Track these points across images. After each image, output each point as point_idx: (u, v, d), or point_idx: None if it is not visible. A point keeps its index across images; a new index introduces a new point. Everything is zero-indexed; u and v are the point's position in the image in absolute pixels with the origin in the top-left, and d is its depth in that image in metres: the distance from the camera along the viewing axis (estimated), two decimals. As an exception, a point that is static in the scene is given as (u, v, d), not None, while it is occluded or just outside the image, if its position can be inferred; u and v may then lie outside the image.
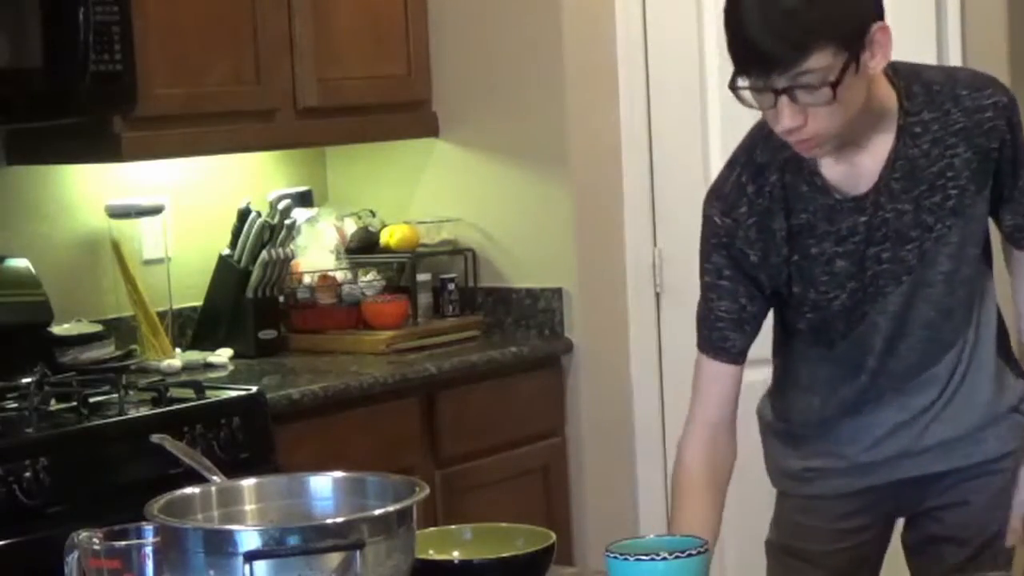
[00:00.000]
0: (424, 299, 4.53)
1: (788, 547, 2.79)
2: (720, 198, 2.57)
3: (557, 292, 4.46)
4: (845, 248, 2.52)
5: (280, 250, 4.31)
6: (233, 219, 4.36)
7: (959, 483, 2.69)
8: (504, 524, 2.26)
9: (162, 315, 4.21)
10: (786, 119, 2.36)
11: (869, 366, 2.60)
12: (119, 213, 4.17)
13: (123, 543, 2.00)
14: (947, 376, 2.63)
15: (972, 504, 2.69)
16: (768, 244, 2.53)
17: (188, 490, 2.05)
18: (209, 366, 4.13)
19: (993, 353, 2.66)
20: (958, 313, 2.60)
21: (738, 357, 2.56)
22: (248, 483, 2.09)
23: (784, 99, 2.34)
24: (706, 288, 2.62)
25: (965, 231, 2.53)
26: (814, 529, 2.76)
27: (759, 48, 2.30)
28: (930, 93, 2.51)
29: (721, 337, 2.57)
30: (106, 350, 3.99)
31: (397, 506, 1.92)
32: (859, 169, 2.50)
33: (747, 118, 4.65)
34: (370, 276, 4.50)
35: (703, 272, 2.62)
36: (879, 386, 2.62)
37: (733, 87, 2.36)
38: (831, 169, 2.50)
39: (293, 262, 4.44)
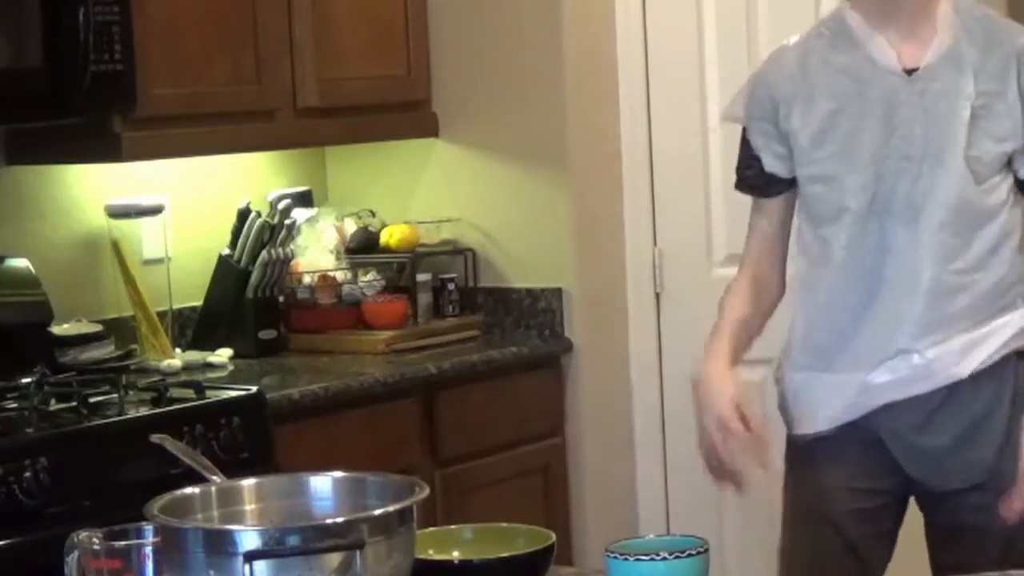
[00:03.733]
0: (424, 299, 4.53)
1: (810, 512, 2.84)
2: None
3: (557, 292, 4.46)
4: None
5: (280, 250, 4.31)
6: (233, 219, 4.36)
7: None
8: (504, 524, 2.26)
9: (162, 315, 4.21)
10: None
11: None
12: (119, 213, 4.17)
13: (123, 543, 2.00)
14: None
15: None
16: None
17: (188, 490, 2.05)
18: (209, 366, 4.13)
19: None
20: None
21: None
22: (248, 483, 2.09)
23: None
24: None
25: None
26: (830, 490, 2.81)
27: None
28: None
29: None
30: (106, 350, 3.99)
31: (397, 506, 1.92)
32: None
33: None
34: (370, 276, 4.50)
35: None
36: None
37: None
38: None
39: (293, 262, 4.43)
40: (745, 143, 2.85)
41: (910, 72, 2.71)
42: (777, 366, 2.92)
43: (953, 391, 2.75)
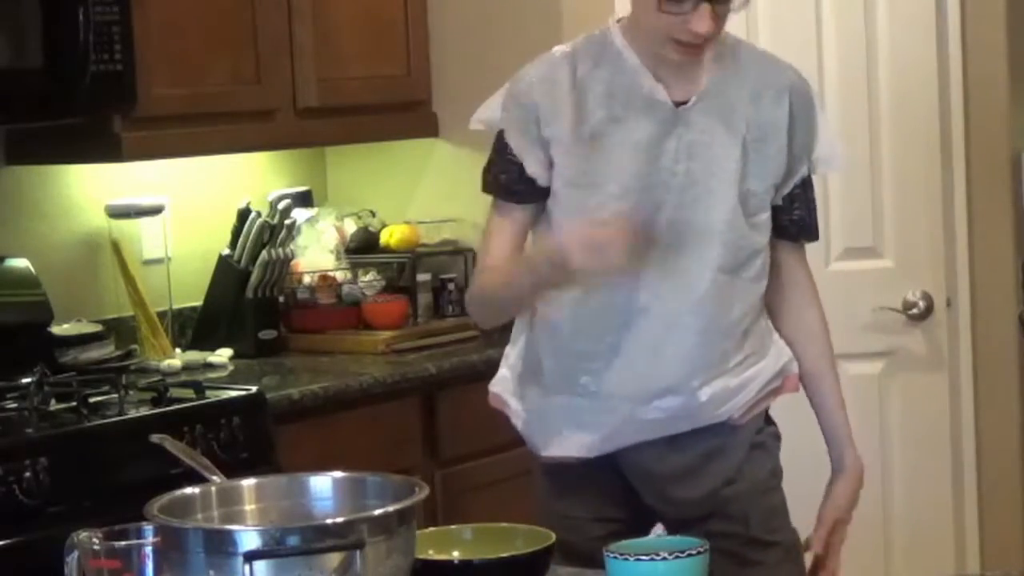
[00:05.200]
0: (424, 299, 4.53)
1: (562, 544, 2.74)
2: None
3: (557, 292, 4.45)
4: None
5: (280, 250, 4.31)
6: (233, 219, 4.36)
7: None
8: (504, 524, 2.26)
9: (162, 315, 4.21)
10: (708, 24, 2.55)
11: None
12: (119, 213, 4.17)
13: (123, 543, 2.00)
14: None
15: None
16: None
17: (188, 490, 2.05)
18: (209, 366, 4.13)
19: None
20: None
21: None
22: (248, 483, 2.09)
23: (706, 5, 2.53)
24: None
25: None
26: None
27: None
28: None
29: None
30: (106, 350, 3.99)
31: (397, 506, 1.92)
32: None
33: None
34: (370, 276, 4.50)
35: None
36: None
37: None
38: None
39: (293, 262, 4.43)
40: (501, 147, 2.76)
41: (678, 104, 2.66)
42: (512, 385, 2.87)
43: (704, 428, 2.74)
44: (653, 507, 2.81)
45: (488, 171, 2.79)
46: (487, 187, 2.80)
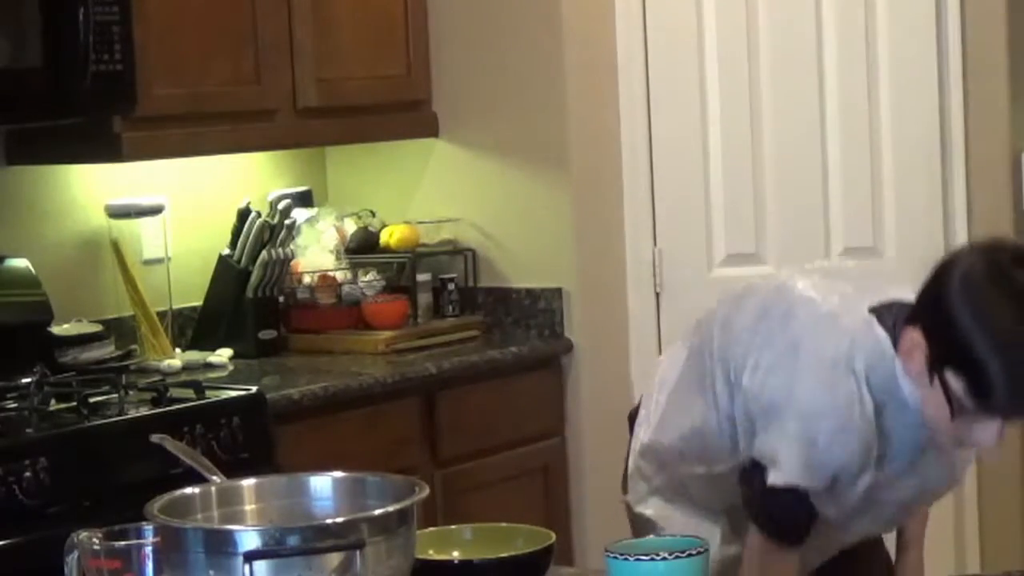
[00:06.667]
0: (424, 299, 4.53)
1: None
2: None
3: (557, 292, 4.46)
4: None
5: (280, 250, 4.31)
6: (233, 219, 4.36)
7: None
8: (504, 524, 2.26)
9: (162, 315, 4.21)
10: (998, 436, 2.34)
11: None
12: (119, 213, 4.17)
13: (123, 543, 2.00)
14: None
15: None
16: None
17: (188, 490, 2.05)
18: (209, 366, 4.13)
19: None
20: None
21: None
22: (248, 483, 2.09)
23: (1000, 422, 2.33)
24: None
25: None
26: None
27: None
28: None
29: None
30: (106, 350, 3.99)
31: (397, 506, 1.92)
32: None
33: (746, 117, 4.67)
34: (370, 276, 4.49)
35: None
36: None
37: (948, 388, 2.32)
38: None
39: (293, 262, 4.43)
40: (803, 499, 2.52)
41: None
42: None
43: None
44: None
45: (783, 519, 2.55)
46: (774, 532, 2.56)
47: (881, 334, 2.43)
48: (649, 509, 2.78)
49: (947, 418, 2.34)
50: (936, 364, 2.31)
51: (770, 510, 2.53)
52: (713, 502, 2.70)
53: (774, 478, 2.48)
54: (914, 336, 2.34)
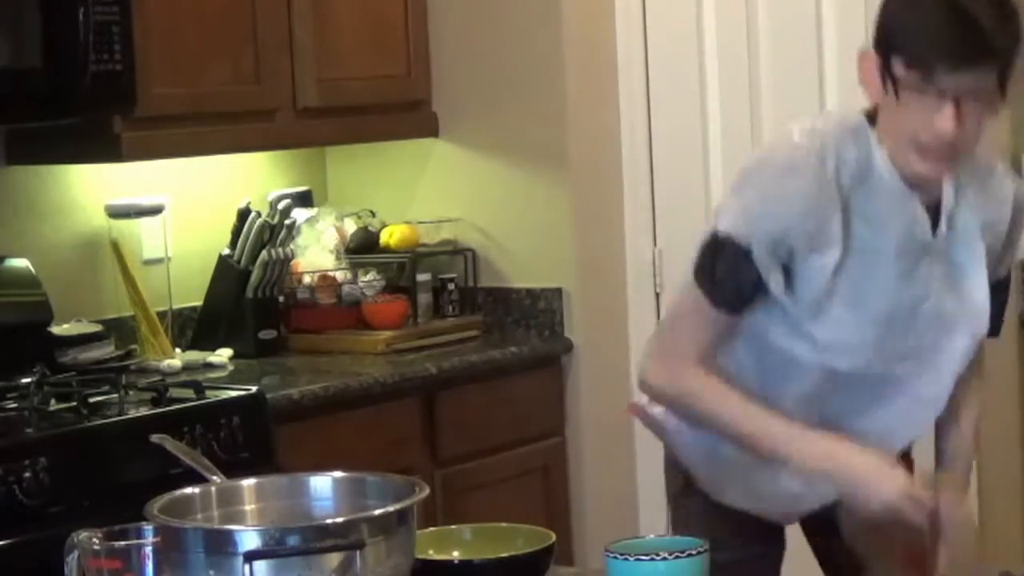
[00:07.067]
0: (424, 299, 4.53)
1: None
2: None
3: (557, 292, 4.46)
4: None
5: (280, 250, 4.31)
6: (233, 219, 4.36)
7: None
8: (504, 524, 2.26)
9: (162, 315, 4.21)
10: (954, 123, 2.34)
11: None
12: (119, 213, 4.17)
13: (123, 543, 2.00)
14: None
15: None
16: None
17: (188, 490, 2.05)
18: (209, 366, 4.13)
19: None
20: None
21: None
22: (248, 483, 2.09)
23: (951, 104, 2.34)
24: None
25: None
26: None
27: (989, 41, 2.32)
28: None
29: None
30: (106, 350, 3.99)
31: (397, 506, 1.92)
32: None
33: (746, 117, 4.66)
34: (370, 276, 4.50)
35: None
36: None
37: (895, 79, 2.36)
38: None
39: (293, 262, 4.43)
40: (740, 258, 2.47)
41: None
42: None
43: None
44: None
45: (712, 276, 2.50)
46: (704, 287, 2.51)
47: (856, 117, 2.49)
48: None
49: (908, 131, 2.37)
50: (883, 62, 2.37)
51: (711, 262, 2.49)
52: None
53: (715, 224, 2.48)
54: (867, 57, 2.41)
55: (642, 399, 2.76)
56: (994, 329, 2.65)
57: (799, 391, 2.56)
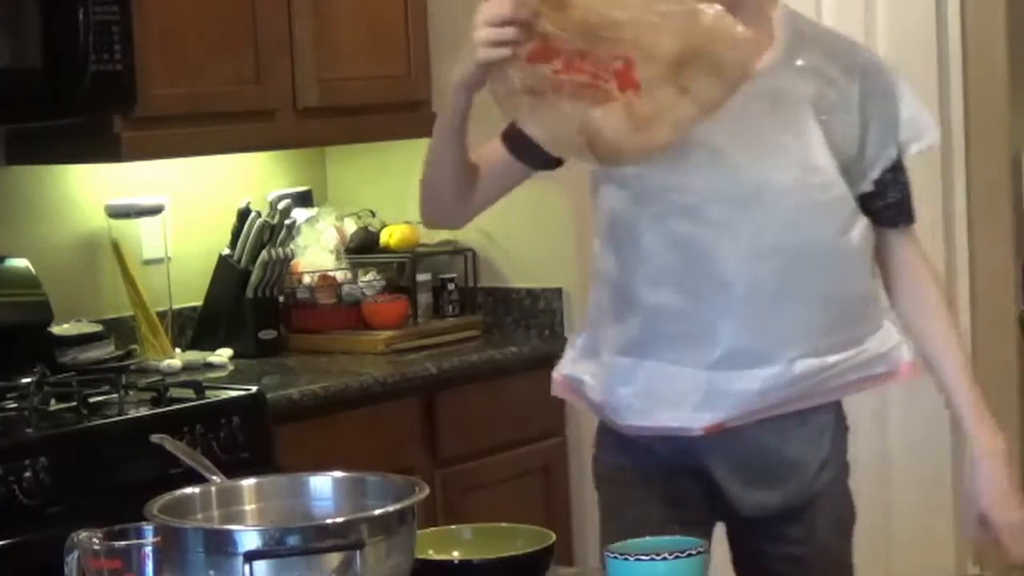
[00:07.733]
0: (424, 299, 4.53)
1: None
2: None
3: (557, 292, 4.46)
4: None
5: (280, 250, 4.31)
6: (233, 219, 4.36)
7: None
8: (504, 524, 2.26)
9: (162, 315, 4.21)
10: None
11: None
12: (119, 213, 4.17)
13: (123, 543, 2.00)
14: None
15: None
16: None
17: (188, 490, 2.05)
18: (209, 366, 4.13)
19: None
20: None
21: None
22: (248, 483, 2.09)
23: None
24: None
25: None
26: None
27: None
28: None
29: None
30: (106, 350, 3.99)
31: (397, 506, 1.92)
32: None
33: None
34: (370, 276, 4.50)
35: None
36: None
37: None
38: None
39: (293, 262, 4.44)
40: None
41: None
42: (583, 349, 2.87)
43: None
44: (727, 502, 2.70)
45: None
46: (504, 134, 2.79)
47: None
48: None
49: None
50: None
51: None
52: None
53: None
54: None
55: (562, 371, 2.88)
56: (909, 215, 2.69)
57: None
